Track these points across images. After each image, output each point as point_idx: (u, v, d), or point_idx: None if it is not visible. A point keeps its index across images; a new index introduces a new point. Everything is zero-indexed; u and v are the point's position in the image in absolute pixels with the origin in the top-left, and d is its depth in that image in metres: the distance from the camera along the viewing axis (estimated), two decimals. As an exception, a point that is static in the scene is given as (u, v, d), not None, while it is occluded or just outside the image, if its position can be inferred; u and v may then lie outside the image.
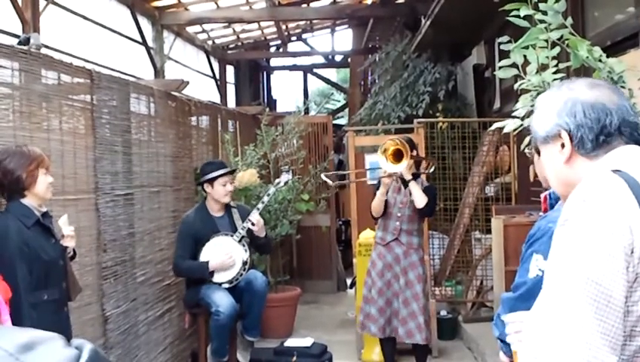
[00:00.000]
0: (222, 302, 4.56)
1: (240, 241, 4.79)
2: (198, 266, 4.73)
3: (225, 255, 4.71)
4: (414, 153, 4.70)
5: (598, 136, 1.36)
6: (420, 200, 4.60)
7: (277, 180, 5.29)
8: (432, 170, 5.28)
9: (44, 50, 4.03)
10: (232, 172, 5.07)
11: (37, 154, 2.93)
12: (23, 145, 2.99)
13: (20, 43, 3.63)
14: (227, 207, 4.93)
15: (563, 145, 1.40)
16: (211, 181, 4.81)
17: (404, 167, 4.49)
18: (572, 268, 1.22)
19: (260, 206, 4.97)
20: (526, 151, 2.00)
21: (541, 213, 2.27)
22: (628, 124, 1.36)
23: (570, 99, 1.40)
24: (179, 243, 4.84)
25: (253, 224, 4.79)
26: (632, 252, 1.20)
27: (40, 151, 2.99)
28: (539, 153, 2.16)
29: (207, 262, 4.69)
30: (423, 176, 5.11)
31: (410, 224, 4.72)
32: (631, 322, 1.21)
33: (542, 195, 2.20)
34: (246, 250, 4.79)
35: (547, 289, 1.25)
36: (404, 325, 4.64)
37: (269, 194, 5.09)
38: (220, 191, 4.82)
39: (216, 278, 4.73)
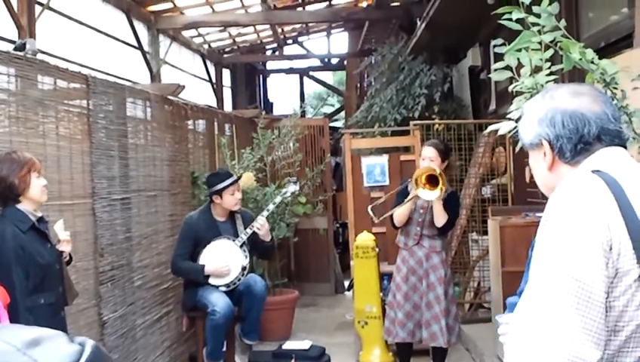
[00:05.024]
0: (218, 301, 4.58)
1: (241, 246, 4.81)
2: (194, 269, 4.74)
3: (222, 262, 4.73)
4: (446, 163, 4.60)
5: (577, 145, 1.39)
6: (440, 219, 4.53)
7: (284, 190, 5.31)
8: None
9: (40, 56, 4.05)
10: (237, 180, 5.07)
11: (27, 159, 2.92)
12: (12, 151, 2.98)
13: (15, 49, 3.65)
14: (231, 212, 4.93)
15: (545, 154, 1.43)
16: (220, 192, 4.81)
17: (438, 195, 4.39)
18: (553, 266, 1.25)
19: (265, 213, 4.99)
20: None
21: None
22: (608, 132, 1.38)
23: (551, 109, 1.42)
24: (179, 242, 4.85)
25: (259, 228, 4.81)
26: (611, 248, 1.23)
27: (30, 155, 2.98)
28: None
29: (203, 266, 4.71)
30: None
31: (431, 229, 4.64)
32: (614, 317, 1.23)
33: None
34: (246, 256, 4.80)
35: (531, 287, 1.28)
36: (428, 328, 4.63)
37: (274, 203, 5.10)
38: (230, 201, 4.82)
39: (214, 281, 4.74)
